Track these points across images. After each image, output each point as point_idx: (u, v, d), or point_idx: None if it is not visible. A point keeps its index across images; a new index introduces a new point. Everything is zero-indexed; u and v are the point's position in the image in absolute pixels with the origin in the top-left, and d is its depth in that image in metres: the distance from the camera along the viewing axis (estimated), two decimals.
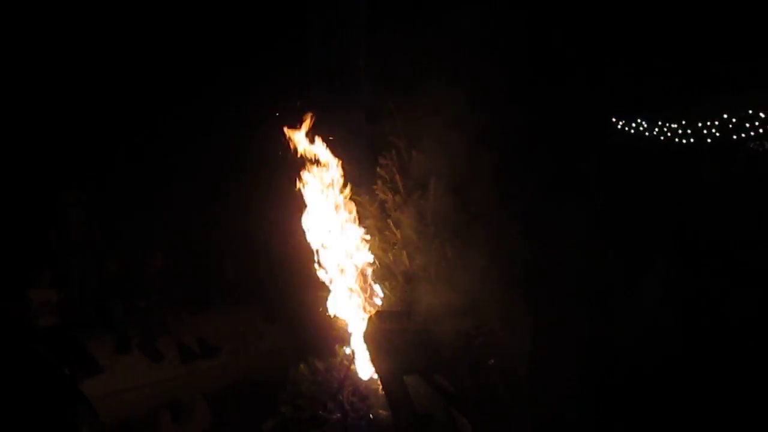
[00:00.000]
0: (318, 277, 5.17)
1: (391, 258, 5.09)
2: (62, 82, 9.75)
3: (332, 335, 5.35)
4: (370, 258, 5.05)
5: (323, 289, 5.16)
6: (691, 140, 10.27)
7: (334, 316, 5.14)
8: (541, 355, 4.84)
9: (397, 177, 5.16)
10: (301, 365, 5.18)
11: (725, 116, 10.15)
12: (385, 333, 4.63)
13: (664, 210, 7.64)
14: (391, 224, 5.12)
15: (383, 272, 5.14)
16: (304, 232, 5.00)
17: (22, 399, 6.91)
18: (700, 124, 10.19)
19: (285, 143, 5.03)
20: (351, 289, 5.03)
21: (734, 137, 10.11)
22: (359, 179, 5.19)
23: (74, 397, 7.24)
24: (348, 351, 5.10)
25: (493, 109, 5.24)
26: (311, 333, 5.91)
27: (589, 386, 4.77)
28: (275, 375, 8.63)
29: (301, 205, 5.04)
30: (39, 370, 7.33)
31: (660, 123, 10.61)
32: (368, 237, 5.08)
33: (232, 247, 9.68)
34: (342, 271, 5.03)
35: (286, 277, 8.17)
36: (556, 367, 4.86)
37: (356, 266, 5.02)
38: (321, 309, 5.18)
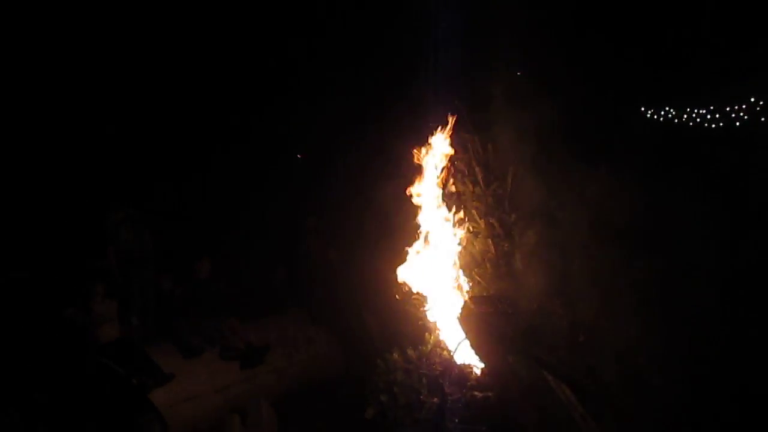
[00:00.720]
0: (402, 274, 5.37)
1: (476, 247, 5.29)
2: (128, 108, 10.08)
3: (419, 325, 5.53)
4: (458, 247, 5.24)
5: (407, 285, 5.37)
6: (721, 124, 10.52)
7: (421, 302, 5.34)
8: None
9: (477, 169, 5.37)
10: (395, 354, 5.35)
11: (752, 100, 10.37)
12: (481, 316, 4.83)
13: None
14: (475, 214, 5.32)
15: (469, 260, 5.33)
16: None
17: (95, 411, 7.05)
18: (728, 109, 10.47)
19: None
20: (443, 280, 5.23)
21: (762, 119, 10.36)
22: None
23: (143, 406, 7.39)
24: (441, 338, 5.28)
25: (554, 100, 5.49)
26: (398, 325, 6.09)
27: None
28: (327, 376, 8.93)
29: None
30: (109, 381, 7.47)
31: (689, 109, 10.91)
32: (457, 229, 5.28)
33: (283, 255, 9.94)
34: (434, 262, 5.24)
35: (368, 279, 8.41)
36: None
37: (446, 255, 5.22)
38: (398, 296, 5.38)
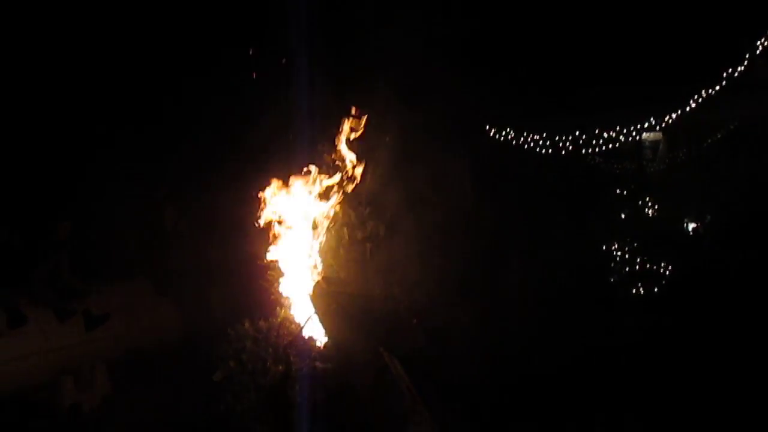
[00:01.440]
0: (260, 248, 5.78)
1: (333, 233, 5.83)
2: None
3: (271, 298, 5.97)
4: (317, 232, 5.74)
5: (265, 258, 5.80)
6: (550, 151, 12.11)
7: (275, 278, 5.80)
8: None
9: (339, 163, 5.90)
10: (246, 324, 5.74)
11: (577, 133, 12.18)
12: (331, 295, 5.38)
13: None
14: (336, 205, 5.85)
15: (325, 245, 5.86)
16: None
17: None
18: (557, 138, 12.07)
19: None
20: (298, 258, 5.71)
21: (583, 151, 12.16)
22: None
23: None
24: (291, 312, 5.76)
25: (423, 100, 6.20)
26: (251, 296, 6.46)
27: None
28: (166, 346, 9.06)
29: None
30: None
31: (525, 133, 12.35)
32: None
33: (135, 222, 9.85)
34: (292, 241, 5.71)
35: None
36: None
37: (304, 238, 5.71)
38: (263, 267, 5.80)
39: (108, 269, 9.53)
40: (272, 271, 6.03)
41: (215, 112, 10.33)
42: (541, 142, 12.22)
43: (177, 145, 10.56)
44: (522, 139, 12.34)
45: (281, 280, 5.89)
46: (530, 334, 5.62)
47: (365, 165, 5.99)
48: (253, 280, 6.35)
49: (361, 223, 5.92)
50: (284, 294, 5.94)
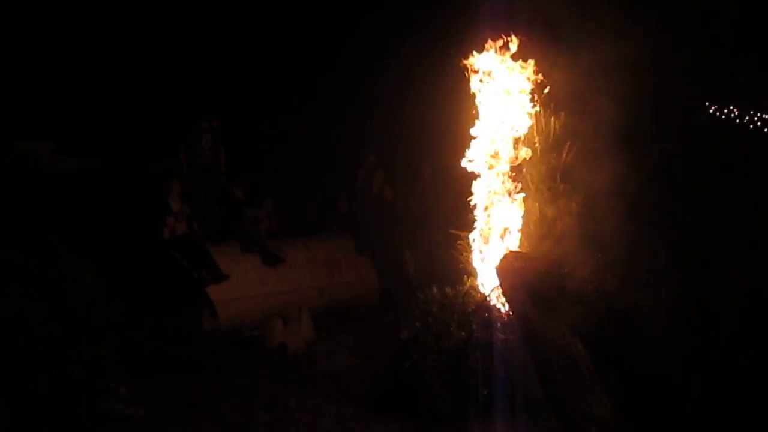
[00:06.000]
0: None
1: (524, 209, 5.89)
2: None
3: (461, 267, 6.22)
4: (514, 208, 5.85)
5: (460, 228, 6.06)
6: None
7: (466, 248, 6.03)
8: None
9: (536, 138, 5.92)
10: (434, 289, 6.05)
11: None
12: (517, 269, 5.47)
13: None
14: (528, 179, 5.90)
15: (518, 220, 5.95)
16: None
17: (160, 292, 8.00)
18: None
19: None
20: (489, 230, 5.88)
21: None
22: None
23: (200, 296, 8.33)
24: (478, 282, 5.96)
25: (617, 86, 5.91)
26: (438, 264, 6.80)
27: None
28: (363, 301, 9.79)
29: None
30: (173, 270, 8.40)
31: (752, 112, 11.06)
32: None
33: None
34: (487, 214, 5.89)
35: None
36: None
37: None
38: (463, 239, 6.06)
39: (315, 227, 10.52)
40: (462, 240, 6.24)
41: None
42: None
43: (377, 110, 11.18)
44: (747, 118, 11.00)
45: (471, 249, 6.09)
46: (730, 331, 5.23)
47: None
48: (444, 248, 6.64)
49: (554, 200, 5.89)
50: (472, 263, 6.15)
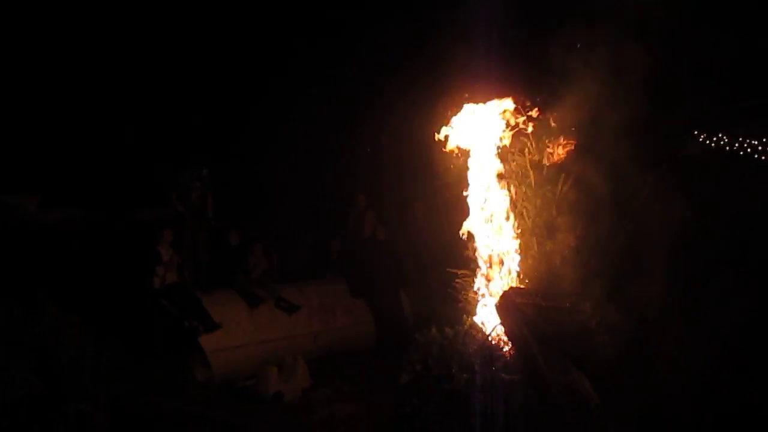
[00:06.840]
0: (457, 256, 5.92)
1: (521, 244, 5.77)
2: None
3: (459, 306, 6.05)
4: (512, 243, 5.72)
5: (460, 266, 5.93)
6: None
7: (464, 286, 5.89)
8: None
9: (530, 172, 5.83)
10: (433, 330, 5.87)
11: None
12: (518, 305, 5.32)
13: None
14: (524, 213, 5.80)
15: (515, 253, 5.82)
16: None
17: (150, 343, 7.78)
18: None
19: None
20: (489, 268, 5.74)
21: None
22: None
23: (192, 347, 8.10)
24: (478, 321, 5.79)
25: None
26: (438, 303, 6.64)
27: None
28: (360, 345, 9.57)
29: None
30: (164, 320, 8.19)
31: (740, 139, 11.09)
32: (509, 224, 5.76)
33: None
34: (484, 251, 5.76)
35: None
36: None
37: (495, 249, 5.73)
38: (460, 278, 5.92)
39: (307, 273, 10.34)
40: (460, 279, 6.11)
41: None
42: (759, 148, 10.70)
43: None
44: (736, 145, 10.99)
45: (470, 287, 5.95)
46: (741, 365, 5.07)
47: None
48: (441, 288, 6.48)
49: (552, 234, 5.78)
50: (471, 302, 5.99)
